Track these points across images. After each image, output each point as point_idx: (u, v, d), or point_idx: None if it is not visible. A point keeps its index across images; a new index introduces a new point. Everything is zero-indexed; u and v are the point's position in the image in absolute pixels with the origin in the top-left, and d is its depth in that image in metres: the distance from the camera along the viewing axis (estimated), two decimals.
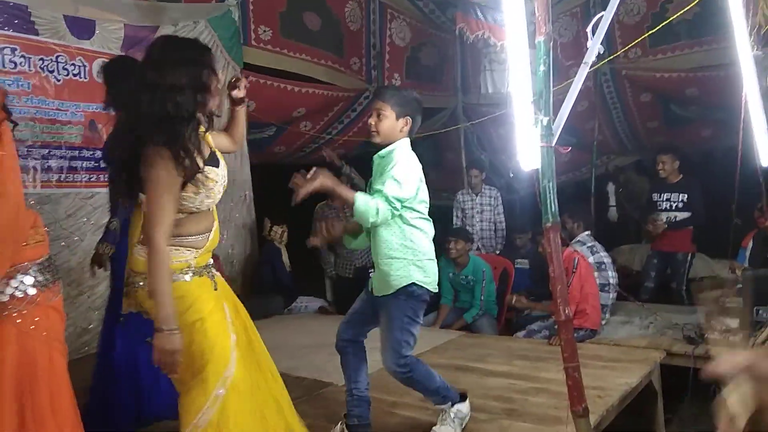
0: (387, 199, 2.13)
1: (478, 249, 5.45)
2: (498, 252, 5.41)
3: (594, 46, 2.01)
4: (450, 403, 2.44)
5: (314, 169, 2.13)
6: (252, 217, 5.34)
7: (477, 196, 5.58)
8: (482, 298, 4.57)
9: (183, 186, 1.80)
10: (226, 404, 1.83)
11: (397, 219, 2.23)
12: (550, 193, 1.90)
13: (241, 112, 2.24)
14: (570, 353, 1.91)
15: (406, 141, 2.32)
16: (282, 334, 4.29)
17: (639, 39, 4.67)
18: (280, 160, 6.26)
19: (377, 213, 2.11)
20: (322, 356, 3.62)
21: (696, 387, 3.56)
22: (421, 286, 2.25)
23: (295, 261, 5.42)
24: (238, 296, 4.92)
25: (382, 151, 2.31)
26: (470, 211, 5.56)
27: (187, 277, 1.86)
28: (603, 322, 4.16)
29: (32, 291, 1.56)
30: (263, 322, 4.65)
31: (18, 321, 1.52)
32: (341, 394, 2.89)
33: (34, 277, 1.56)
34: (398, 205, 2.16)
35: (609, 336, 4.02)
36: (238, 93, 2.18)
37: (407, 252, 2.24)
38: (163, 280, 1.73)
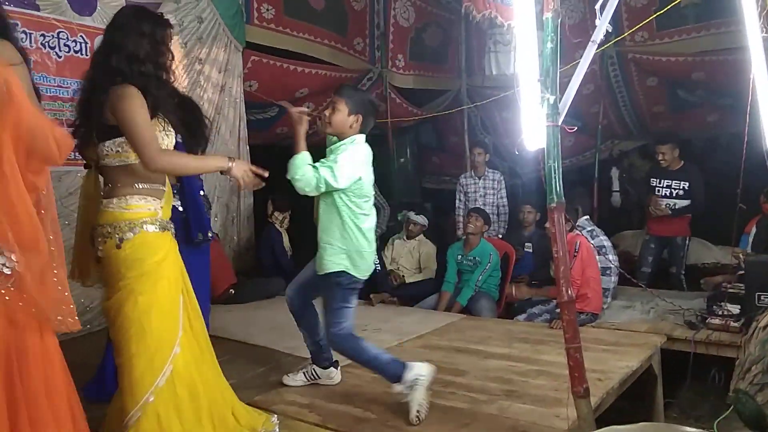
0: (316, 170, 2.37)
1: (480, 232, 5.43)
2: (500, 236, 5.39)
3: (602, 25, 1.98)
4: (400, 381, 2.46)
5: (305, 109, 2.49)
6: (250, 199, 5.32)
7: (480, 179, 5.55)
8: (480, 280, 4.55)
9: None
10: (176, 368, 1.95)
11: (338, 210, 2.47)
12: (555, 173, 1.87)
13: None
14: (572, 334, 1.90)
15: (360, 137, 2.54)
16: (282, 315, 4.25)
17: (646, 21, 4.60)
18: (281, 141, 6.22)
19: (301, 175, 2.36)
20: None
21: (696, 372, 3.57)
22: (350, 275, 2.51)
23: (295, 244, 5.41)
24: (237, 276, 4.94)
25: (335, 144, 2.53)
26: (473, 195, 5.52)
27: (152, 228, 2.00)
28: (604, 306, 4.16)
29: (7, 271, 1.51)
30: (264, 303, 4.68)
31: (6, 298, 1.49)
32: (341, 374, 2.90)
33: (9, 256, 1.51)
34: (323, 184, 2.38)
35: (610, 320, 4.02)
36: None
37: (343, 241, 2.49)
38: (192, 160, 2.12)
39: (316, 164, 2.41)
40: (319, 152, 2.53)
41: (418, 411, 2.38)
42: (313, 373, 2.82)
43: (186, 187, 2.90)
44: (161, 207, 2.06)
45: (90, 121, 1.99)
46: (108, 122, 1.94)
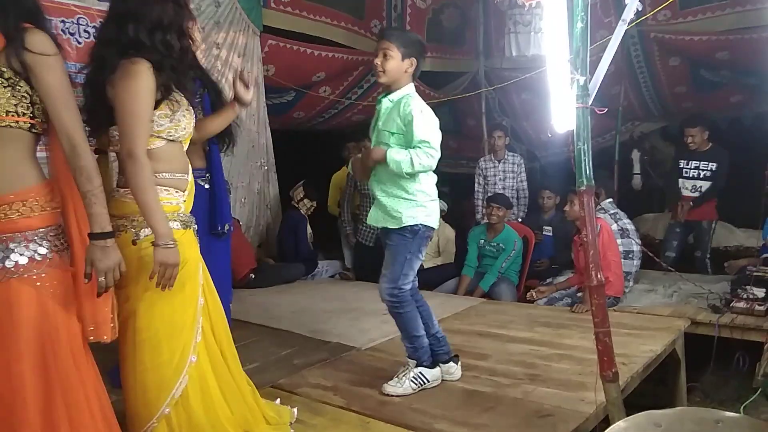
0: (423, 144, 2.29)
1: None
2: (520, 220, 5.36)
3: (632, 2, 1.93)
4: (416, 362, 2.50)
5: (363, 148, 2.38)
6: (273, 184, 5.33)
7: (500, 162, 5.50)
8: (503, 266, 4.55)
9: (158, 104, 1.80)
10: (194, 373, 1.86)
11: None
12: (585, 155, 1.85)
13: (233, 113, 2.25)
14: (601, 318, 1.89)
15: (412, 87, 2.42)
16: (305, 299, 4.33)
17: (669, 1, 4.50)
18: (298, 126, 6.22)
19: (411, 164, 2.28)
20: (344, 321, 3.65)
21: (719, 356, 3.54)
22: (426, 226, 2.42)
23: (315, 227, 5.43)
24: (258, 261, 4.97)
25: (393, 95, 2.39)
26: (492, 178, 5.48)
27: (176, 225, 1.85)
28: (626, 290, 4.12)
29: (51, 254, 1.55)
30: (284, 287, 4.72)
31: (38, 284, 1.52)
32: (365, 357, 2.94)
33: (50, 241, 1.56)
34: (434, 152, 2.31)
35: (632, 304, 3.99)
36: (246, 93, 2.18)
37: (417, 194, 2.39)
38: (153, 193, 1.74)
39: (414, 142, 2.31)
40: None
41: (392, 387, 2.47)
42: (421, 376, 2.53)
43: (214, 176, 2.78)
44: (184, 200, 1.91)
45: (100, 104, 1.83)
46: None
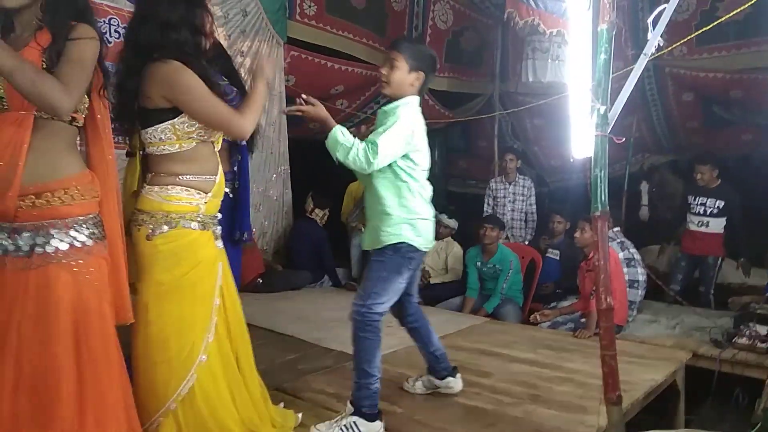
0: (369, 144, 2.13)
1: (507, 238, 5.45)
2: (527, 242, 5.41)
3: (654, 37, 2.00)
4: (355, 410, 2.22)
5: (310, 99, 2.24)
6: (289, 192, 5.40)
7: (510, 185, 5.57)
8: (504, 287, 4.57)
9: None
10: (203, 373, 1.87)
11: (396, 179, 2.23)
12: (601, 182, 1.90)
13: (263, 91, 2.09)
14: (608, 341, 1.93)
15: (415, 99, 2.28)
16: (310, 307, 4.37)
17: (689, 37, 4.58)
18: (314, 136, 6.29)
19: (347, 152, 2.11)
20: (348, 330, 3.65)
21: (719, 391, 3.56)
22: (410, 245, 2.24)
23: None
24: (269, 268, 5.02)
25: (388, 106, 2.27)
26: (502, 200, 5.55)
27: (194, 225, 1.88)
28: (630, 319, 4.15)
29: (90, 242, 1.60)
30: (290, 294, 4.76)
31: (75, 269, 1.57)
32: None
33: (90, 229, 1.61)
34: (374, 157, 2.11)
35: (635, 333, 4.02)
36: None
37: (402, 210, 2.23)
38: (258, 96, 1.96)
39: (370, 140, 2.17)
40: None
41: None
42: (431, 383, 2.62)
43: (242, 182, 2.80)
44: (205, 202, 1.91)
45: (130, 108, 1.86)
46: (147, 106, 1.83)
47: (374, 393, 2.25)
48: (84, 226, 1.60)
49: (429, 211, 2.34)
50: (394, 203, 2.23)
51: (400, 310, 2.48)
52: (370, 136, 2.20)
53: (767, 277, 4.49)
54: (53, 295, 1.53)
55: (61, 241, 1.56)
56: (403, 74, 2.22)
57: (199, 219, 1.90)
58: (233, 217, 2.78)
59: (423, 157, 2.31)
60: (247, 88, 2.75)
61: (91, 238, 1.60)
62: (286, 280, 4.89)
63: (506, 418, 2.48)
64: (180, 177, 1.87)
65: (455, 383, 2.63)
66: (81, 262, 1.58)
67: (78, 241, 1.58)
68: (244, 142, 2.38)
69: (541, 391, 2.80)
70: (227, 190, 2.59)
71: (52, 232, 1.56)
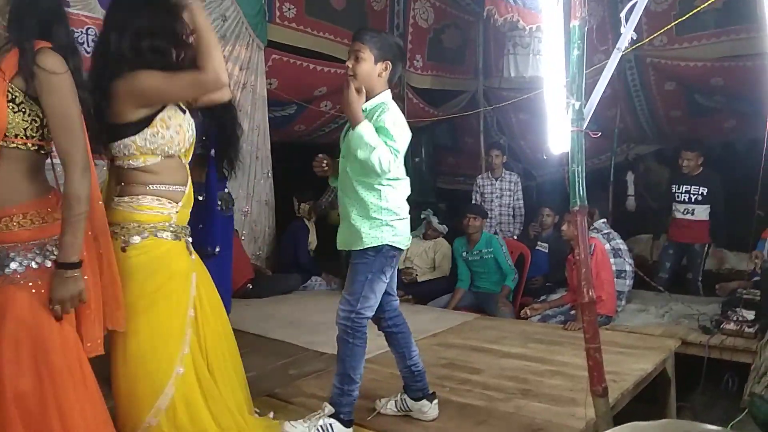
0: (392, 150, 2.07)
1: (495, 233, 5.47)
2: (515, 237, 5.43)
3: (627, 32, 2.02)
4: (332, 413, 2.19)
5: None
6: (272, 195, 5.39)
7: (497, 180, 5.59)
8: (509, 262, 4.63)
9: (150, 120, 1.82)
10: (181, 386, 1.85)
11: (378, 181, 2.15)
12: (578, 177, 1.91)
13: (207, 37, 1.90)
14: (592, 334, 1.94)
15: (388, 94, 2.21)
16: (300, 310, 4.37)
17: (667, 27, 4.61)
18: (299, 139, 6.29)
19: (370, 151, 2.02)
20: None
21: (709, 377, 3.59)
22: (392, 246, 2.20)
23: (319, 238, 5.49)
24: (258, 273, 4.99)
25: (365, 105, 2.15)
26: (489, 196, 5.57)
27: (166, 235, 1.87)
28: (619, 309, 4.18)
29: (49, 263, 1.61)
30: (281, 298, 4.76)
31: (33, 291, 1.58)
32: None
33: (50, 251, 1.61)
34: (394, 161, 2.08)
35: (624, 323, 4.05)
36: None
37: (383, 213, 2.17)
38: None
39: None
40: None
41: (292, 427, 2.16)
42: (404, 404, 2.42)
43: (209, 196, 2.79)
44: (176, 212, 1.91)
45: (98, 122, 1.79)
46: (112, 121, 1.80)
47: (354, 400, 2.24)
48: (44, 248, 1.61)
49: (407, 208, 2.28)
50: (377, 206, 2.17)
51: (377, 307, 2.34)
52: (389, 141, 2.11)
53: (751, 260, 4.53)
54: (9, 312, 1.54)
55: (20, 264, 1.57)
56: (370, 65, 2.14)
57: (171, 229, 1.90)
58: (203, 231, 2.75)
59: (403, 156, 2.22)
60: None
61: (50, 260, 1.60)
62: (276, 284, 4.89)
63: (497, 414, 2.50)
64: (150, 186, 1.86)
65: (430, 410, 2.38)
66: (39, 283, 1.58)
67: (36, 262, 1.59)
68: (212, 152, 2.36)
69: (532, 386, 2.82)
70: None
71: (11, 255, 1.57)
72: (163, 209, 1.88)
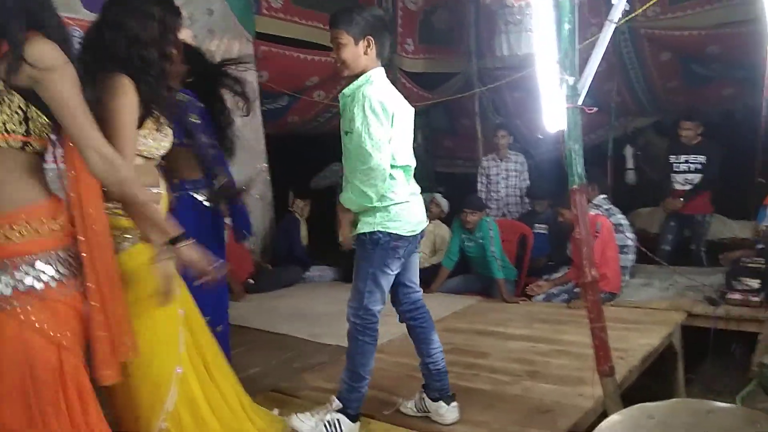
0: (361, 168, 2.02)
1: (504, 215, 5.44)
2: (517, 218, 5.40)
3: (619, 3, 1.96)
4: (340, 408, 2.17)
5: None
6: (269, 189, 5.36)
7: (502, 161, 5.54)
8: (494, 252, 4.40)
9: (141, 122, 1.76)
10: (181, 386, 1.83)
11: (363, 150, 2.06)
12: (576, 155, 1.88)
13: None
14: (596, 314, 1.92)
15: (377, 72, 2.10)
16: (302, 302, 4.36)
17: None
18: (293, 130, 6.23)
19: (357, 192, 2.04)
20: (343, 323, 3.59)
21: (717, 347, 3.58)
22: (389, 233, 2.10)
23: (315, 231, 5.46)
24: (259, 268, 4.96)
25: (347, 89, 2.10)
26: (495, 177, 5.52)
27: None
28: (623, 285, 4.16)
29: (39, 285, 1.40)
30: (282, 291, 4.74)
31: (22, 317, 1.38)
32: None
33: (43, 270, 1.41)
34: (368, 157, 2.00)
35: (629, 298, 4.03)
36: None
37: (379, 199, 2.09)
38: (146, 207, 1.66)
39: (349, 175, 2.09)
40: (339, 139, 2.31)
41: (299, 421, 2.16)
42: (423, 404, 2.32)
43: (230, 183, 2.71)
44: None
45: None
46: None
47: (362, 396, 2.21)
48: (35, 266, 1.41)
49: (407, 194, 2.18)
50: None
51: (393, 298, 2.33)
52: (354, 152, 2.06)
53: (755, 229, 4.50)
54: None
55: (5, 285, 1.38)
56: (351, 48, 2.06)
57: None
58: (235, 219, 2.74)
59: (399, 136, 2.14)
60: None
61: (42, 282, 1.41)
62: (277, 278, 4.87)
63: (505, 397, 2.49)
64: None
65: (447, 412, 2.26)
66: (29, 308, 1.39)
67: (24, 284, 1.39)
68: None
69: (539, 367, 2.80)
70: (202, 198, 2.53)
71: None
72: None
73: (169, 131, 1.91)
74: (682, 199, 4.82)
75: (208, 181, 2.56)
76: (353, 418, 2.18)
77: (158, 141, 1.85)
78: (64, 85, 1.39)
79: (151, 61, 1.74)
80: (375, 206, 2.08)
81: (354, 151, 2.04)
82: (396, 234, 2.12)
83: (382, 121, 2.02)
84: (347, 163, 2.12)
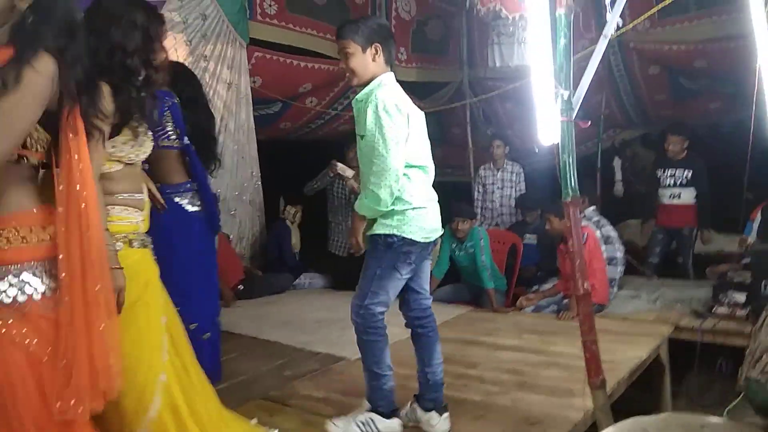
0: (380, 174, 2.05)
1: (497, 225, 5.46)
2: (507, 227, 5.43)
3: (613, 18, 1.99)
4: (370, 408, 2.22)
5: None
6: (260, 194, 5.34)
7: (498, 171, 5.57)
8: (484, 261, 4.38)
9: (119, 129, 1.77)
10: (165, 393, 1.82)
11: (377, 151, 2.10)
12: (569, 167, 1.89)
13: None
14: (588, 326, 1.93)
15: (387, 76, 2.18)
16: (293, 310, 4.34)
17: (650, 11, 4.60)
18: (285, 136, 6.22)
19: (372, 198, 2.07)
20: (334, 331, 3.66)
21: (703, 361, 3.61)
22: (403, 237, 2.12)
23: (306, 238, 5.44)
24: (249, 273, 4.93)
25: (360, 94, 2.16)
26: (491, 186, 5.56)
27: (136, 245, 1.85)
28: (611, 297, 4.19)
29: (22, 298, 1.36)
30: (273, 298, 4.72)
31: (2, 331, 1.34)
32: (355, 368, 2.87)
33: (27, 282, 1.37)
34: (394, 175, 2.04)
35: (617, 310, 4.06)
36: None
37: (396, 202, 2.12)
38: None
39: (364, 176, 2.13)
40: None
41: (335, 427, 2.20)
42: (413, 414, 2.32)
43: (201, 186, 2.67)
44: (142, 220, 1.91)
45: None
46: None
47: (389, 392, 2.22)
48: (20, 277, 1.36)
49: (425, 198, 2.20)
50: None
51: (401, 305, 2.34)
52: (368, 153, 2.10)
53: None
54: None
55: None
56: (360, 57, 2.12)
57: (140, 238, 1.90)
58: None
59: (415, 136, 2.18)
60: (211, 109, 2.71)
61: (25, 294, 1.36)
62: (268, 284, 4.85)
63: (495, 408, 2.49)
64: (116, 196, 1.83)
65: (438, 423, 2.26)
66: (10, 322, 1.34)
67: (8, 296, 1.34)
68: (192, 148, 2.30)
69: (528, 378, 2.81)
70: (185, 202, 2.50)
71: None
72: (131, 218, 1.88)
73: (148, 137, 1.92)
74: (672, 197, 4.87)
75: (193, 185, 2.54)
76: (387, 415, 2.21)
77: (136, 147, 1.87)
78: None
79: (133, 69, 1.75)
80: (392, 209, 2.10)
81: (367, 152, 2.08)
82: (410, 239, 2.13)
83: (396, 121, 2.06)
84: (362, 167, 2.17)
